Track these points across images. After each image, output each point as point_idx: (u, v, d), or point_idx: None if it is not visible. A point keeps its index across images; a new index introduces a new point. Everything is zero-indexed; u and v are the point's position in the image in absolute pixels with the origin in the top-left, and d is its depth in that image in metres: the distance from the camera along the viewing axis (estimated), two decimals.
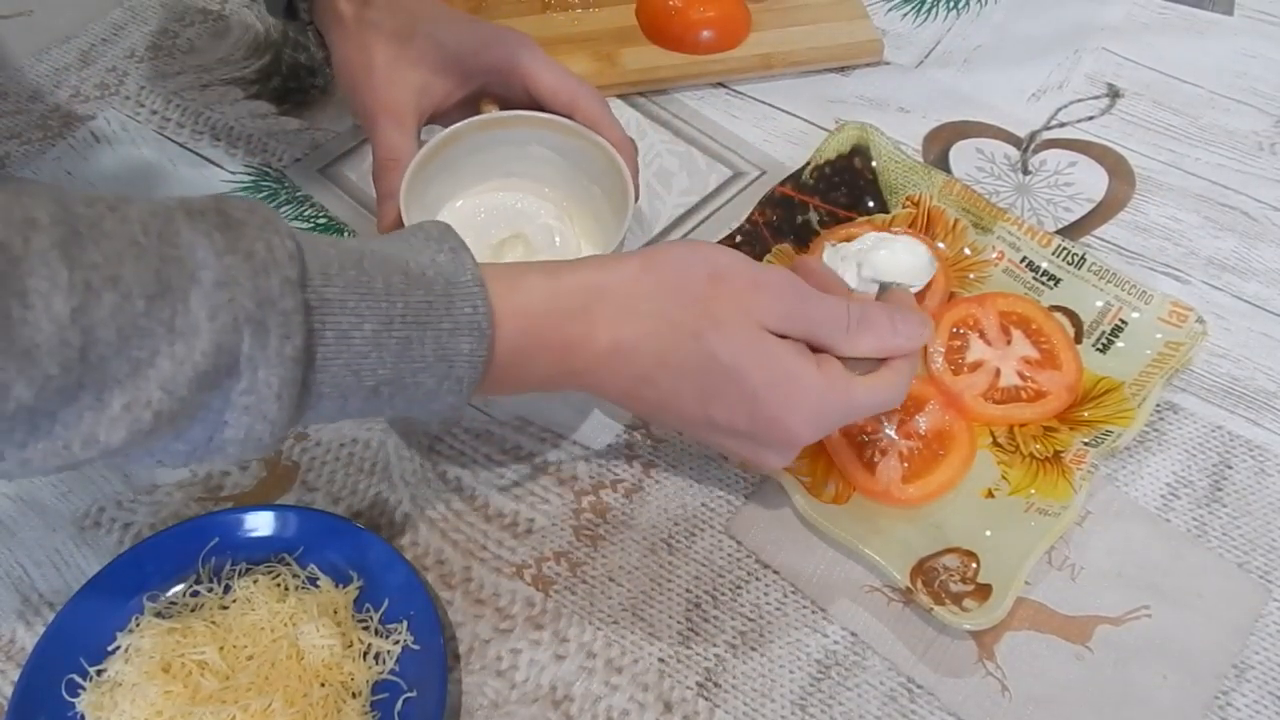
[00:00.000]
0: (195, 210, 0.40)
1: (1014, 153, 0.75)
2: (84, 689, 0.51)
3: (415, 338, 0.44)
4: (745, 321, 0.48)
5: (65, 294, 0.35)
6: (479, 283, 0.45)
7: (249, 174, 0.75)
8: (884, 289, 0.56)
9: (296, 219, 0.72)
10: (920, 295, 0.63)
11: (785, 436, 0.49)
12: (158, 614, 0.53)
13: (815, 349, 0.50)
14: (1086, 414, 0.60)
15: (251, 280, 0.39)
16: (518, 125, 0.63)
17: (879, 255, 0.59)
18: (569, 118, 0.63)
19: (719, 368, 0.47)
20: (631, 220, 0.60)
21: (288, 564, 0.55)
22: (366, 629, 0.53)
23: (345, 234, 0.71)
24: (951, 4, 0.86)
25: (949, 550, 0.55)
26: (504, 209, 0.65)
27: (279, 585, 0.54)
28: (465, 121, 0.62)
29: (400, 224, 0.58)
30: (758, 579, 0.56)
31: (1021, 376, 0.61)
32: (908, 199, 0.68)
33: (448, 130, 0.62)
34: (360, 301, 0.43)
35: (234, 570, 0.55)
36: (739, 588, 0.56)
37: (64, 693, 0.51)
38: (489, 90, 0.64)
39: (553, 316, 0.48)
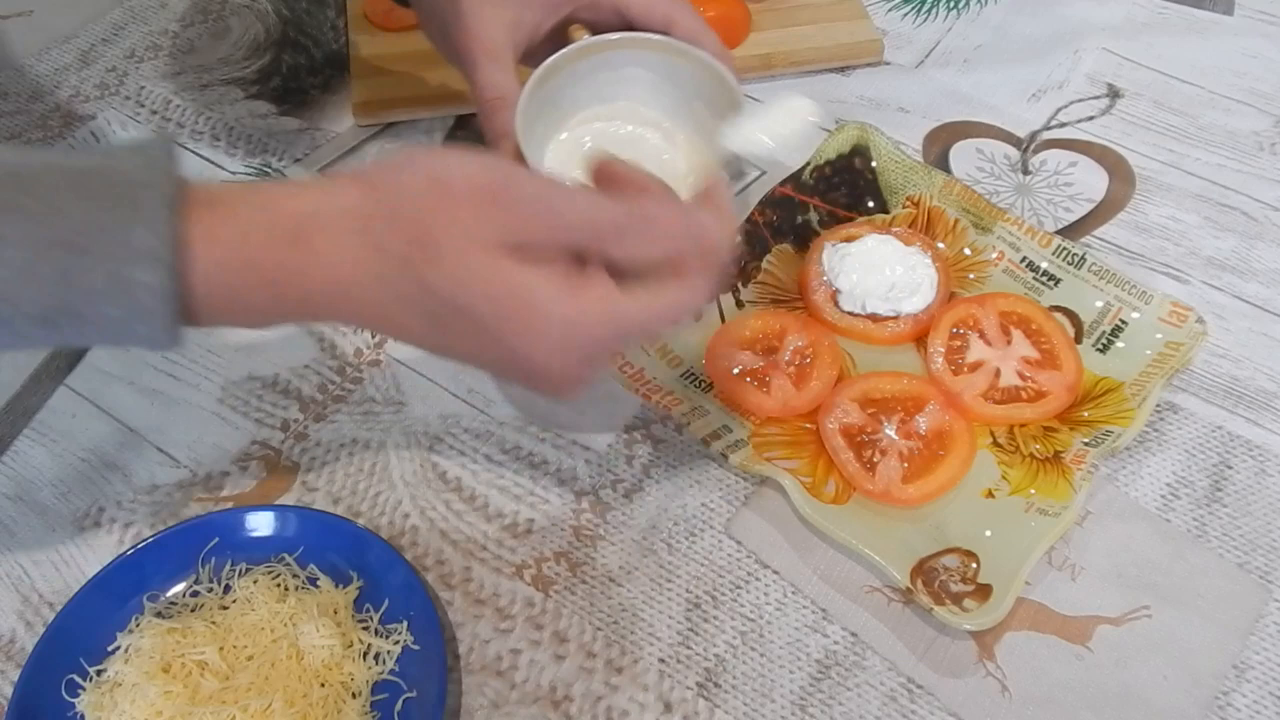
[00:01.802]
0: None
1: (1014, 153, 0.75)
2: (84, 689, 0.51)
3: (78, 265, 0.39)
4: (466, 245, 0.42)
5: None
6: (166, 203, 0.40)
7: (249, 174, 0.75)
8: (728, 168, 0.52)
9: None
10: (927, 319, 0.63)
11: (534, 370, 0.44)
12: (158, 614, 0.54)
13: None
14: (1086, 414, 0.60)
15: None
16: (615, 49, 0.62)
17: (749, 124, 0.55)
18: (665, 34, 0.61)
19: (437, 301, 0.42)
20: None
21: (288, 564, 0.55)
22: (366, 629, 0.53)
23: None
24: (951, 4, 0.86)
25: (949, 550, 0.55)
26: (607, 137, 0.64)
27: (279, 585, 0.54)
28: (563, 51, 0.60)
29: (521, 164, 0.56)
30: (758, 579, 0.56)
31: (1021, 376, 0.61)
32: (908, 199, 0.68)
33: (548, 62, 0.60)
34: (5, 223, 0.39)
35: (234, 570, 0.55)
36: (739, 588, 0.56)
37: (64, 693, 0.51)
38: (577, 16, 0.62)
39: (261, 248, 0.43)
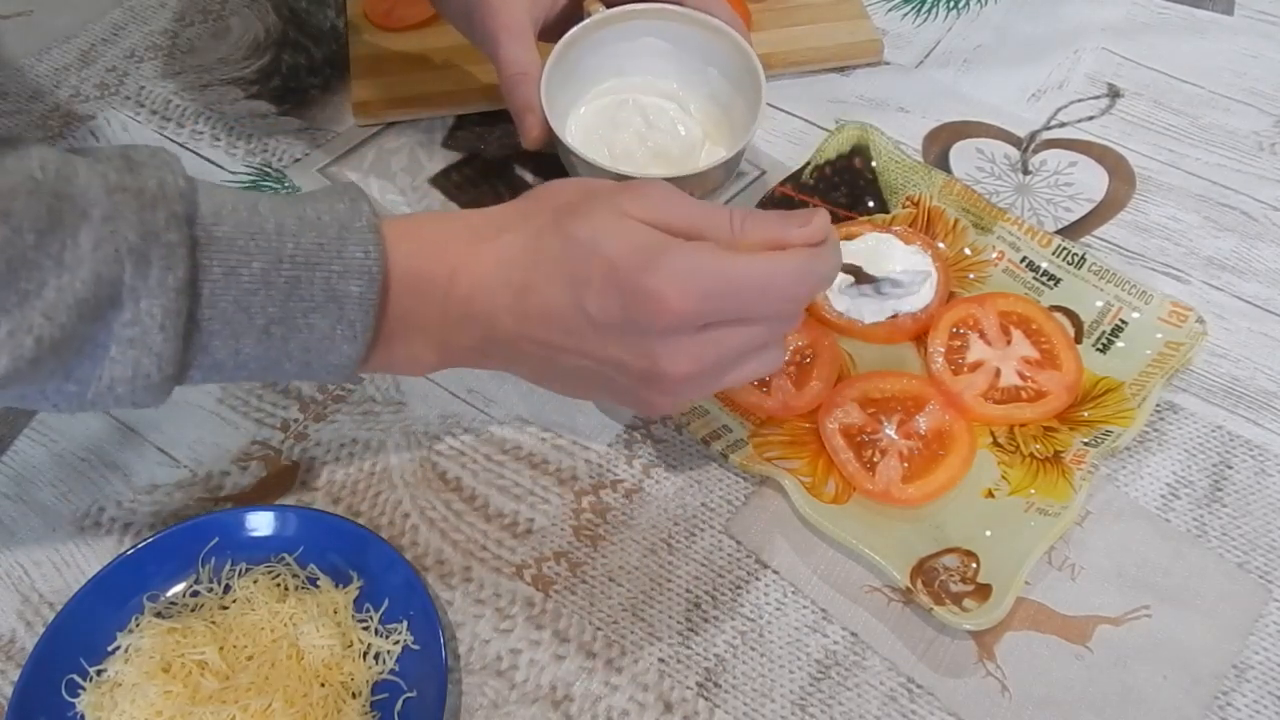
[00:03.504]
0: (102, 156, 0.42)
1: (1014, 153, 0.75)
2: (84, 689, 0.51)
3: (305, 278, 0.45)
4: (606, 209, 0.47)
5: None
6: (373, 229, 0.46)
7: (249, 174, 0.75)
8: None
9: None
10: (927, 319, 0.63)
11: (661, 309, 0.45)
12: (158, 614, 0.53)
13: None
14: (1086, 414, 0.60)
15: (137, 214, 0.41)
16: (630, 20, 0.64)
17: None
18: (677, 5, 0.64)
19: (578, 247, 0.46)
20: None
21: (288, 564, 0.55)
22: (366, 629, 0.53)
23: None
24: (951, 4, 0.86)
25: (949, 550, 0.55)
26: (625, 107, 0.66)
27: (279, 585, 0.54)
28: (581, 25, 0.63)
29: (548, 134, 0.60)
30: (758, 579, 0.56)
31: (1021, 376, 0.61)
32: (908, 199, 0.68)
33: (567, 36, 0.63)
34: (250, 240, 0.44)
35: (234, 570, 0.55)
36: (739, 588, 0.56)
37: (64, 693, 0.51)
38: None
39: (443, 244, 0.49)
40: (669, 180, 0.58)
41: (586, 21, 0.63)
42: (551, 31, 0.64)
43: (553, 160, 0.67)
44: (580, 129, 0.66)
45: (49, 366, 0.40)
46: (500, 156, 0.75)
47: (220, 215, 0.44)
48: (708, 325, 0.47)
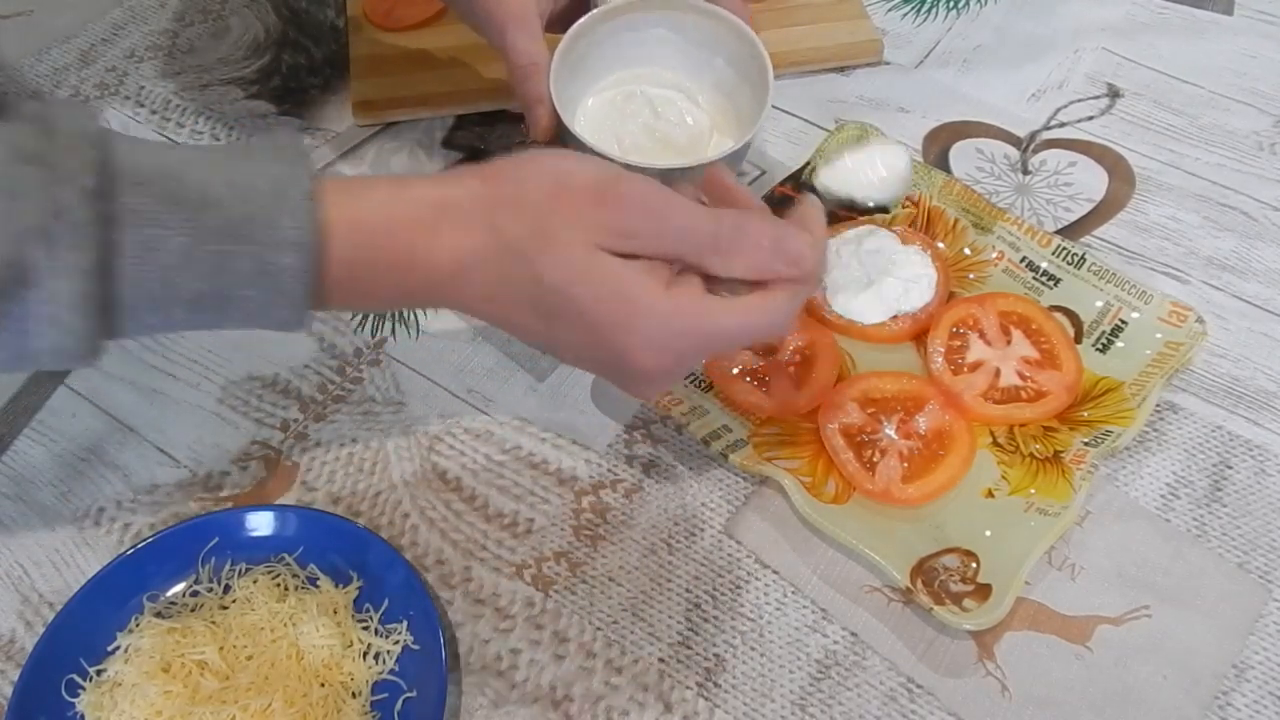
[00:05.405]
0: (16, 117, 0.40)
1: (1014, 153, 0.75)
2: (84, 689, 0.51)
3: (231, 252, 0.42)
4: (578, 239, 0.45)
5: None
6: (307, 196, 0.43)
7: None
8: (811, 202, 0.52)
9: None
10: (926, 318, 0.63)
11: (629, 365, 0.46)
12: (158, 614, 0.54)
13: (689, 268, 0.47)
14: (1086, 414, 0.60)
15: (44, 190, 0.39)
16: (637, 10, 0.64)
17: (844, 166, 0.59)
18: None
19: (548, 290, 0.45)
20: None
21: (288, 564, 0.55)
22: (366, 629, 0.53)
23: None
24: (951, 4, 0.86)
25: (949, 550, 0.55)
26: (633, 98, 0.66)
27: (279, 585, 0.54)
28: (588, 16, 0.63)
29: (557, 127, 0.60)
30: (758, 579, 0.56)
31: (1021, 376, 0.61)
32: (908, 199, 0.68)
33: (574, 28, 0.63)
34: (170, 214, 0.41)
35: (234, 570, 0.55)
36: (739, 588, 0.56)
37: (64, 693, 0.51)
38: None
39: (393, 231, 0.46)
40: (677, 170, 0.59)
41: (594, 12, 0.63)
42: (557, 23, 0.64)
43: None
44: (588, 121, 0.66)
45: None
46: (500, 156, 0.75)
47: (140, 185, 0.41)
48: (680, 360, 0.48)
